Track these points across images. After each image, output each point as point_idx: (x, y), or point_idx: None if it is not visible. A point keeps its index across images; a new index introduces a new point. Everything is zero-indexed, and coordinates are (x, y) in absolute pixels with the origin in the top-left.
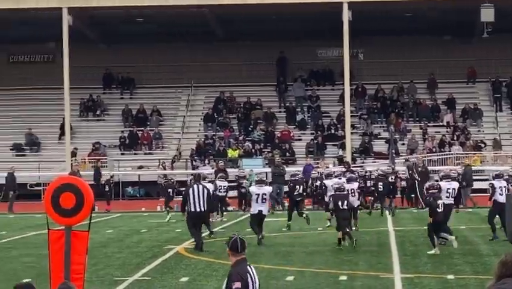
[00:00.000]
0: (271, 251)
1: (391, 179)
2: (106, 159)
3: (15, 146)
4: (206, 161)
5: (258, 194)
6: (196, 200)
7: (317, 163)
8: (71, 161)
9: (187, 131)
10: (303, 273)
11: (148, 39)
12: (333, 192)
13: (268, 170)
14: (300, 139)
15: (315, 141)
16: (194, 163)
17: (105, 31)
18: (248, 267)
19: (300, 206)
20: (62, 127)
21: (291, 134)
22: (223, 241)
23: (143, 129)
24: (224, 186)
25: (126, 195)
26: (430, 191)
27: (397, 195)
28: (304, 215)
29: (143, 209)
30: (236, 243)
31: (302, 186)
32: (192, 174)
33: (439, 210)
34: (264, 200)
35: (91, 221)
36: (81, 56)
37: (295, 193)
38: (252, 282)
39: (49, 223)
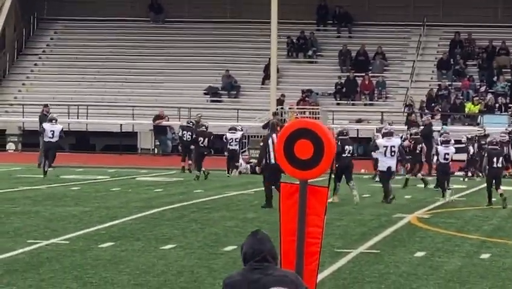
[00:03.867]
0: None
1: None
2: (318, 109)
3: (210, 90)
4: (438, 117)
5: (386, 147)
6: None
7: None
8: (277, 109)
9: (417, 79)
10: None
11: None
12: None
13: None
14: None
15: None
16: (423, 117)
17: None
18: None
19: None
20: (266, 69)
21: None
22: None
23: (363, 74)
24: (236, 139)
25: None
26: None
27: None
28: None
29: (363, 170)
30: None
31: None
32: (268, 121)
33: None
34: (392, 154)
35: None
36: None
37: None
38: None
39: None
